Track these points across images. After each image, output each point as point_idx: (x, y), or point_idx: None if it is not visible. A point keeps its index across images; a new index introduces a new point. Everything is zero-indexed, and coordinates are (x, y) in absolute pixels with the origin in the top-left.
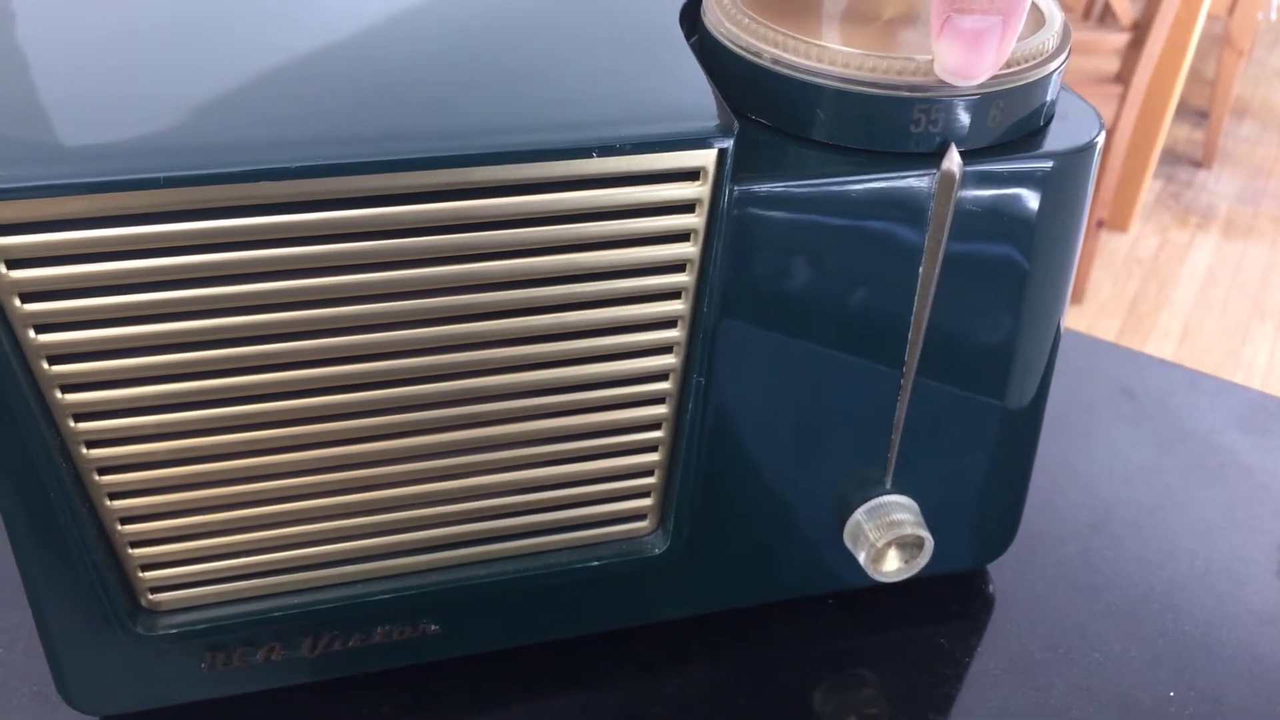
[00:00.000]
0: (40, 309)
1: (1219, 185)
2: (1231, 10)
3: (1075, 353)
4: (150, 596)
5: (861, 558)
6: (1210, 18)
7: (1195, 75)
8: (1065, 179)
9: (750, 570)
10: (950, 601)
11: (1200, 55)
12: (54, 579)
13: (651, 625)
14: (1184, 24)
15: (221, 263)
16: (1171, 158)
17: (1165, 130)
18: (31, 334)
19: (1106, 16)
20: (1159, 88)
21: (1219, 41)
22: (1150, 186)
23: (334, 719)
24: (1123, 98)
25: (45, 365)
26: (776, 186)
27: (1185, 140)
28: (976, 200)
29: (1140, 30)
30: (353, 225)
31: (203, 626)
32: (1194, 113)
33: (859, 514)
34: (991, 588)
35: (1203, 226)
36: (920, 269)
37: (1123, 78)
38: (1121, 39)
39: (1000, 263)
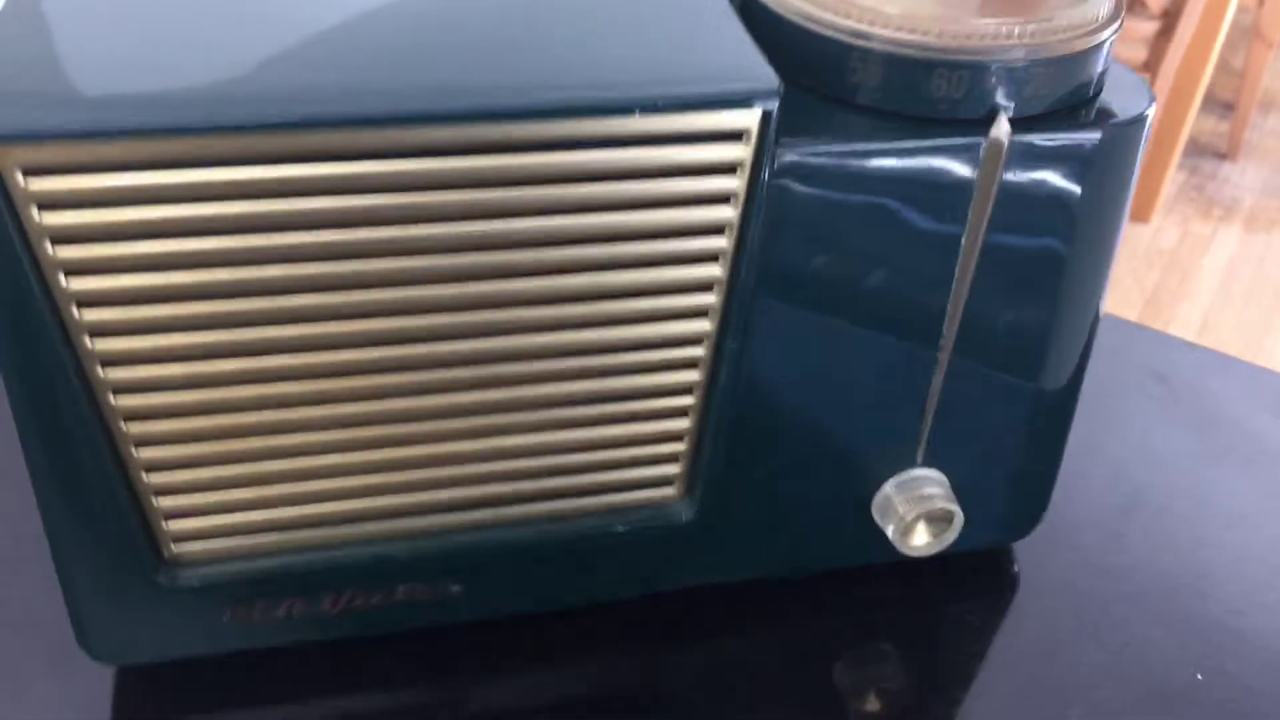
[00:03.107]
0: (72, 254)
1: (1243, 178)
2: (1262, 1)
3: (1106, 334)
4: (174, 548)
5: (890, 531)
6: (1240, 8)
7: (1223, 66)
8: (1114, 152)
9: (775, 541)
10: (975, 579)
11: (1229, 46)
12: (78, 528)
13: (673, 594)
14: (1214, 13)
15: (255, 214)
16: (1196, 149)
17: (1191, 121)
18: (62, 279)
19: (1135, 4)
20: (1186, 78)
21: (1248, 33)
22: (1173, 178)
23: (351, 678)
24: (1149, 87)
25: (76, 311)
26: (819, 151)
27: (1210, 132)
28: (1023, 170)
29: (1170, 19)
30: (388, 179)
31: (226, 579)
32: (1220, 104)
33: (889, 486)
34: (1017, 567)
35: (1225, 219)
36: (963, 240)
37: (1150, 66)
38: (1150, 27)
39: (1044, 235)
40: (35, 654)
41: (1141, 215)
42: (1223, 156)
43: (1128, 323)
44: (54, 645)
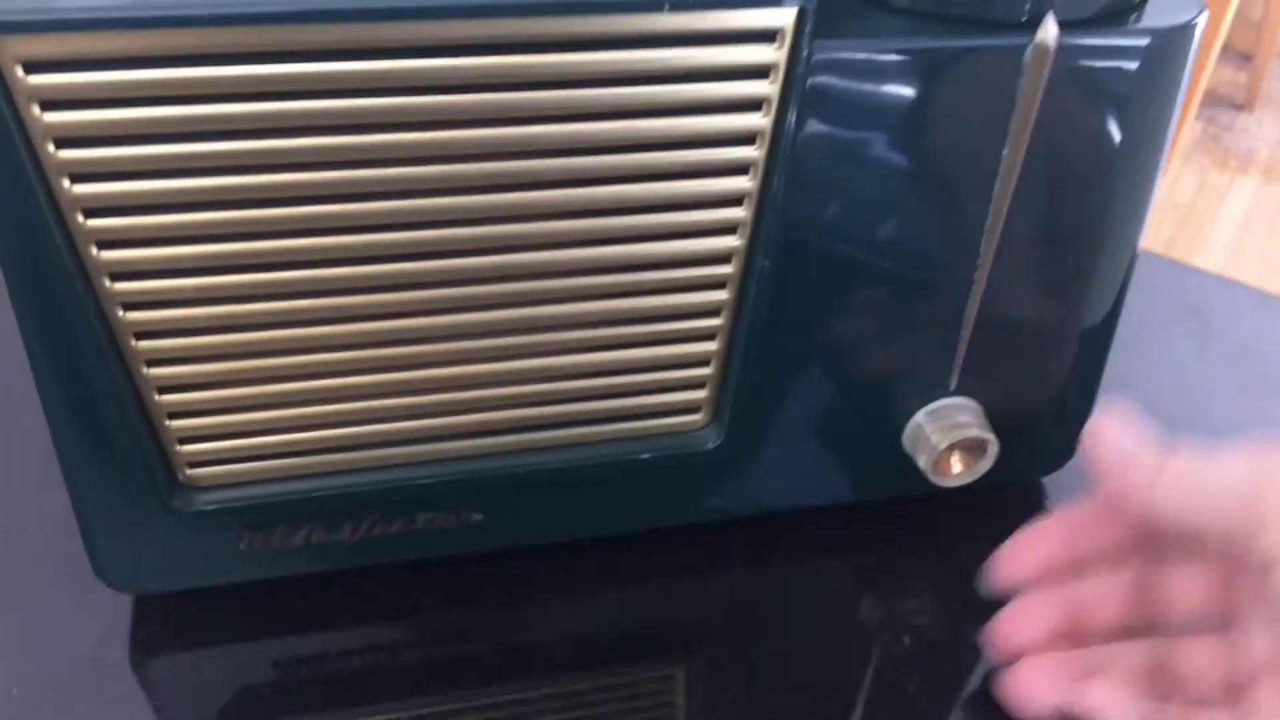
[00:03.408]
0: (75, 156)
1: (1260, 129)
2: None
3: (1140, 270)
4: (188, 471)
5: (921, 461)
6: None
7: (1241, 17)
8: (1163, 58)
9: (803, 471)
10: (1005, 514)
11: None
12: (90, 451)
13: (698, 526)
14: None
15: (264, 113)
16: (1213, 100)
17: (1208, 72)
18: (66, 183)
19: None
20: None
21: None
22: (1190, 128)
23: (374, 607)
24: None
25: (80, 218)
26: (858, 52)
27: (1227, 82)
28: (1069, 75)
29: None
30: (404, 78)
31: (242, 504)
32: (1238, 55)
33: (921, 415)
34: (1048, 502)
35: (1242, 170)
36: (1005, 149)
37: None
38: None
39: (1090, 145)
40: (53, 584)
41: None
42: (1240, 107)
43: (1162, 258)
44: (70, 575)
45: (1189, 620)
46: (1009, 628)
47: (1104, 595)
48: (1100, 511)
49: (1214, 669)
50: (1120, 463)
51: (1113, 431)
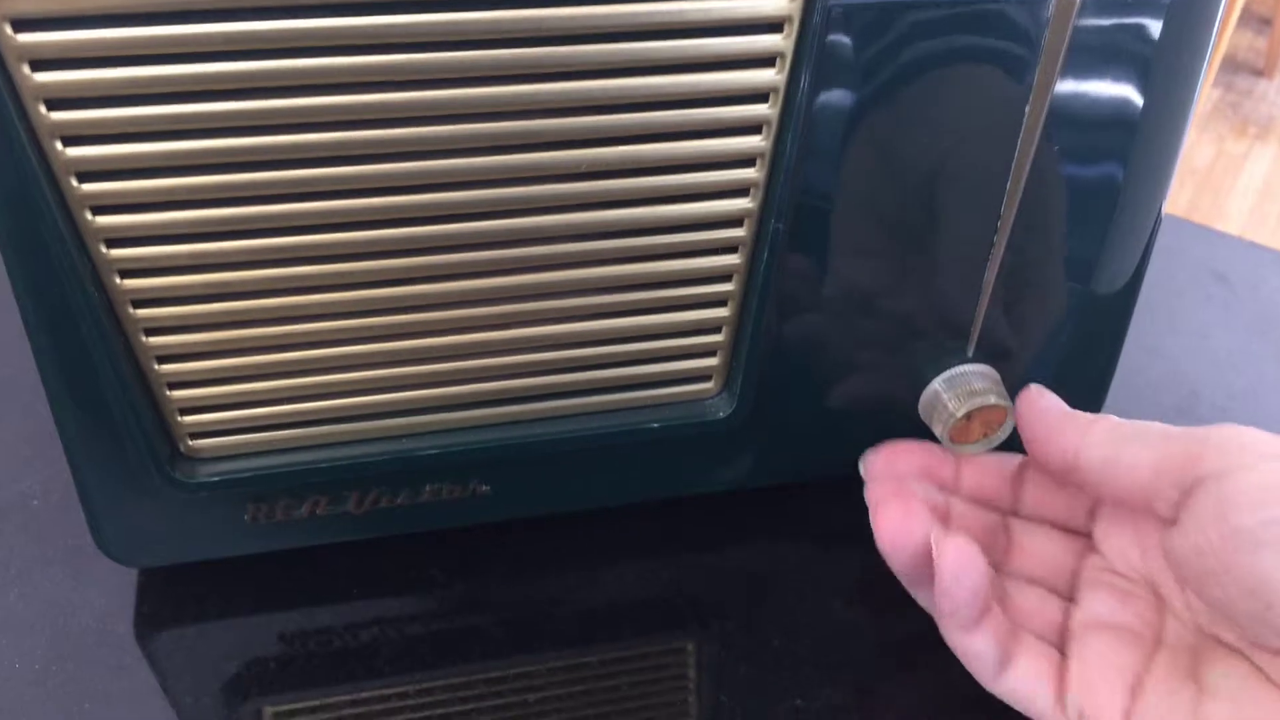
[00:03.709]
0: (68, 118)
1: None
2: None
3: (1163, 233)
4: (190, 442)
5: (938, 429)
6: None
7: None
8: (1191, 10)
9: (816, 441)
10: None
11: None
12: (90, 423)
13: (709, 497)
14: None
15: (260, 72)
16: (1231, 65)
17: (1227, 37)
18: (59, 146)
19: None
20: None
21: None
22: (1208, 94)
23: (381, 580)
24: None
25: (74, 182)
26: (876, 6)
27: (1246, 48)
28: (1097, 20)
29: None
30: (404, 33)
31: (245, 475)
32: (1257, 19)
33: (937, 383)
34: None
35: (1261, 137)
36: (1027, 107)
37: None
38: None
39: (1114, 104)
40: (57, 558)
41: None
42: (1259, 73)
43: (1186, 221)
44: (74, 549)
45: (1031, 576)
46: (888, 455)
47: (965, 515)
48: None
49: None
50: (1051, 425)
51: (1046, 399)
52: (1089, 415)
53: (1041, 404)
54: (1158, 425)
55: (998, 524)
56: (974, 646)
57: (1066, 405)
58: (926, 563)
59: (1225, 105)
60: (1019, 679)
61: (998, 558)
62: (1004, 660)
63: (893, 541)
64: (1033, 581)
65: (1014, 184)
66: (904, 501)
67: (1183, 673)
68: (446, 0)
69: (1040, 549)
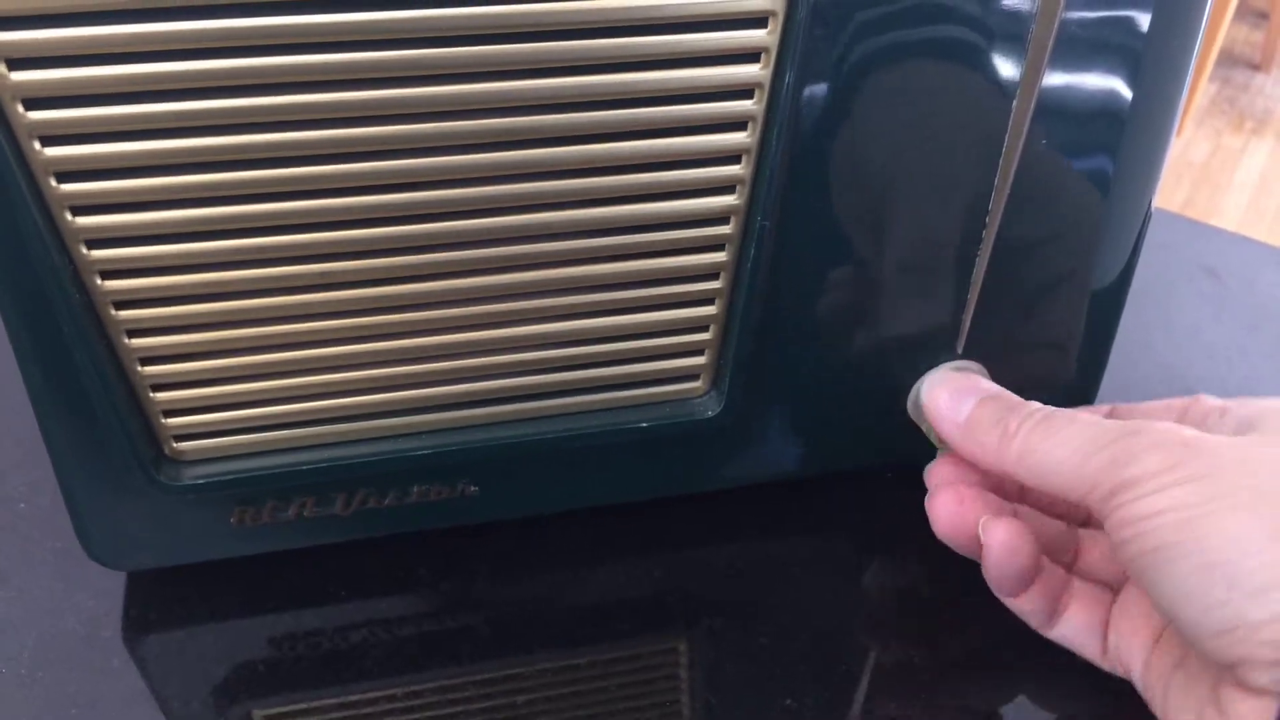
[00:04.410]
0: (45, 118)
1: (1277, 90)
2: None
3: (1154, 228)
4: (175, 445)
5: (926, 427)
6: None
7: None
8: (1180, 1)
9: (806, 439)
10: None
11: None
12: (74, 425)
13: (698, 495)
14: None
15: (240, 70)
16: (1228, 59)
17: (1223, 30)
18: (37, 146)
19: None
20: None
21: None
22: (1205, 89)
23: (369, 581)
24: None
25: (54, 183)
26: None
27: (1243, 41)
28: (1082, 23)
29: None
30: (386, 30)
31: (230, 478)
32: (1253, 13)
33: (926, 380)
34: None
35: (1258, 132)
36: (1015, 100)
37: None
38: None
39: (1103, 96)
40: (44, 560)
41: None
42: (1256, 67)
43: (1177, 216)
44: (62, 551)
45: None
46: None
47: (1031, 519)
48: None
49: None
50: (963, 434)
51: (944, 404)
52: (1002, 411)
53: (943, 412)
54: (1075, 432)
55: (1064, 530)
56: (1024, 606)
57: (964, 395)
58: (980, 546)
59: (1222, 99)
60: (1070, 629)
61: (1065, 562)
62: (1053, 614)
63: (949, 525)
64: (1097, 582)
65: (1002, 178)
66: (957, 490)
67: None
68: None
69: (1105, 552)
